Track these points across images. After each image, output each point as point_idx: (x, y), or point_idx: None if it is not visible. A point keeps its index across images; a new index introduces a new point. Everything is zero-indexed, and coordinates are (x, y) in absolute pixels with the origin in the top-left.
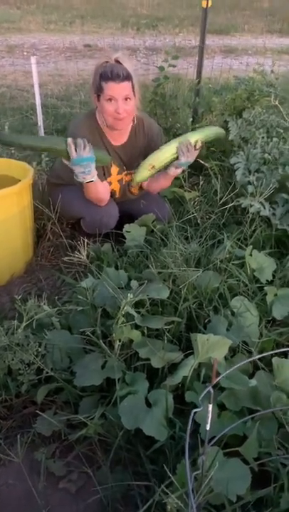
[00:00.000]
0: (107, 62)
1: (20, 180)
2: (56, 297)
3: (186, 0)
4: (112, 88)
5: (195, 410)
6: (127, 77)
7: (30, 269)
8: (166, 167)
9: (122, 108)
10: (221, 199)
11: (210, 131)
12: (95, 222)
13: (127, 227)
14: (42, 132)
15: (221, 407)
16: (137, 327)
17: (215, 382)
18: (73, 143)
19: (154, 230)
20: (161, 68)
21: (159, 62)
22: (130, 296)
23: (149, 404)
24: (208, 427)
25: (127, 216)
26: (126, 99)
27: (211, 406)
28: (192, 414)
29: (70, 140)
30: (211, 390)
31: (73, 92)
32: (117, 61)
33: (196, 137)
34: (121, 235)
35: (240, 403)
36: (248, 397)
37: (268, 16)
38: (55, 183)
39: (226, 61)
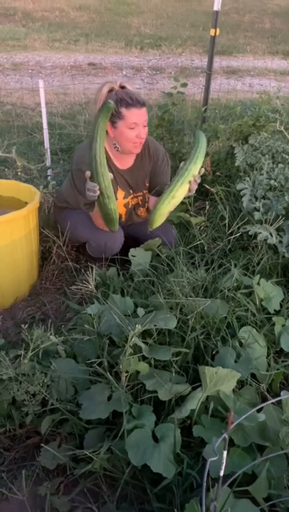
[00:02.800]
0: (113, 88)
1: (26, 203)
2: (61, 324)
3: (189, 20)
4: (136, 114)
5: (211, 459)
6: (145, 102)
7: (34, 293)
8: None
9: (144, 133)
10: (227, 225)
11: (204, 151)
12: (99, 246)
13: (132, 251)
14: (48, 153)
15: (229, 441)
16: (144, 357)
17: (230, 430)
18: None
19: (160, 254)
20: (170, 94)
21: (162, 83)
22: (138, 327)
23: (156, 439)
24: (221, 473)
25: (132, 239)
26: (145, 124)
27: (225, 453)
28: (208, 465)
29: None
30: (226, 437)
31: (78, 110)
32: (123, 86)
33: (198, 167)
34: (127, 257)
35: (249, 439)
36: (257, 432)
37: (270, 37)
38: (61, 207)
39: (229, 82)
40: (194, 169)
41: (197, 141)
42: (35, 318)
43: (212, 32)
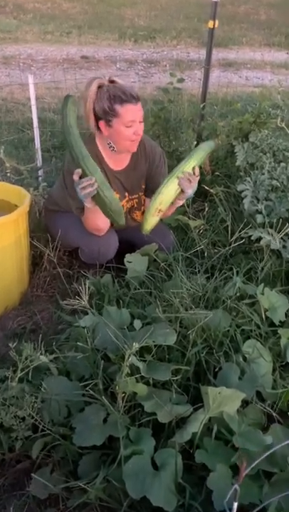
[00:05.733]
0: (102, 84)
1: (16, 206)
2: (52, 337)
3: (183, 12)
4: (132, 111)
5: None
6: (138, 97)
7: (25, 301)
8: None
9: (141, 129)
10: (227, 228)
11: (201, 153)
12: (92, 252)
13: (128, 257)
14: (39, 152)
15: (233, 468)
16: (141, 376)
17: (241, 480)
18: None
19: (158, 260)
20: (165, 90)
21: (158, 76)
22: (135, 345)
23: (155, 465)
24: None
25: (127, 244)
26: (141, 120)
27: (236, 504)
28: None
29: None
30: (238, 488)
31: None
32: (112, 81)
33: (191, 165)
34: (122, 263)
35: (256, 465)
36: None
37: (266, 28)
38: (52, 210)
39: (226, 75)
40: (186, 166)
41: (201, 144)
42: (26, 329)
43: (210, 24)
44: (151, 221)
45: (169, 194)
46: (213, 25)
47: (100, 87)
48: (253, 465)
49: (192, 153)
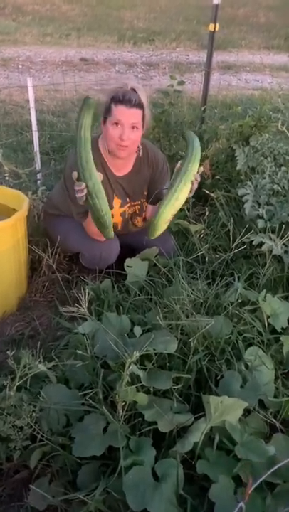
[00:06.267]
0: (121, 88)
1: (14, 210)
2: (51, 344)
3: (182, 14)
4: (121, 112)
5: None
6: (139, 105)
7: (23, 306)
8: None
9: (127, 135)
10: (228, 232)
11: (200, 152)
12: (93, 257)
13: (128, 261)
14: (38, 156)
15: (236, 479)
16: (142, 385)
17: (247, 499)
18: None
19: (158, 264)
20: (166, 93)
21: (157, 79)
22: (136, 353)
23: (156, 476)
24: None
25: (127, 248)
26: (133, 127)
27: None
28: None
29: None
30: (243, 506)
31: (69, 108)
32: (133, 89)
33: (197, 165)
34: (122, 268)
35: (259, 476)
36: (266, 467)
37: (265, 31)
38: (51, 214)
39: (225, 78)
40: (194, 168)
41: (191, 140)
42: (25, 335)
43: (211, 27)
44: (163, 227)
45: (183, 199)
46: (214, 28)
47: (119, 87)
48: (259, 481)
49: (193, 154)
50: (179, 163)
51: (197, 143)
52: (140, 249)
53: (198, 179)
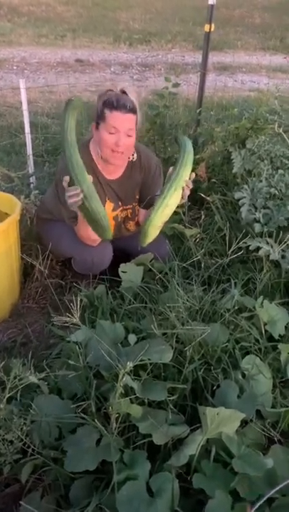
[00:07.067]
0: (111, 90)
1: (5, 214)
2: (43, 353)
3: (178, 15)
4: (117, 118)
5: None
6: (133, 110)
7: (15, 313)
8: None
9: (123, 141)
10: (224, 237)
11: (192, 156)
12: (86, 262)
13: (122, 267)
14: (31, 159)
15: (233, 493)
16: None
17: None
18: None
19: (153, 269)
20: (161, 96)
21: (152, 80)
22: (129, 364)
23: (150, 491)
24: None
25: (121, 253)
26: (128, 134)
27: None
28: None
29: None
30: None
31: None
32: (123, 91)
33: (189, 171)
34: (117, 273)
35: (257, 490)
36: (264, 480)
37: (260, 32)
38: (44, 218)
39: (221, 79)
40: (185, 174)
41: (183, 145)
42: (17, 343)
43: (207, 27)
44: (154, 234)
45: (174, 205)
46: (210, 29)
47: (109, 90)
48: (260, 502)
49: (185, 158)
50: (171, 168)
51: (190, 147)
52: (135, 255)
53: (190, 185)
